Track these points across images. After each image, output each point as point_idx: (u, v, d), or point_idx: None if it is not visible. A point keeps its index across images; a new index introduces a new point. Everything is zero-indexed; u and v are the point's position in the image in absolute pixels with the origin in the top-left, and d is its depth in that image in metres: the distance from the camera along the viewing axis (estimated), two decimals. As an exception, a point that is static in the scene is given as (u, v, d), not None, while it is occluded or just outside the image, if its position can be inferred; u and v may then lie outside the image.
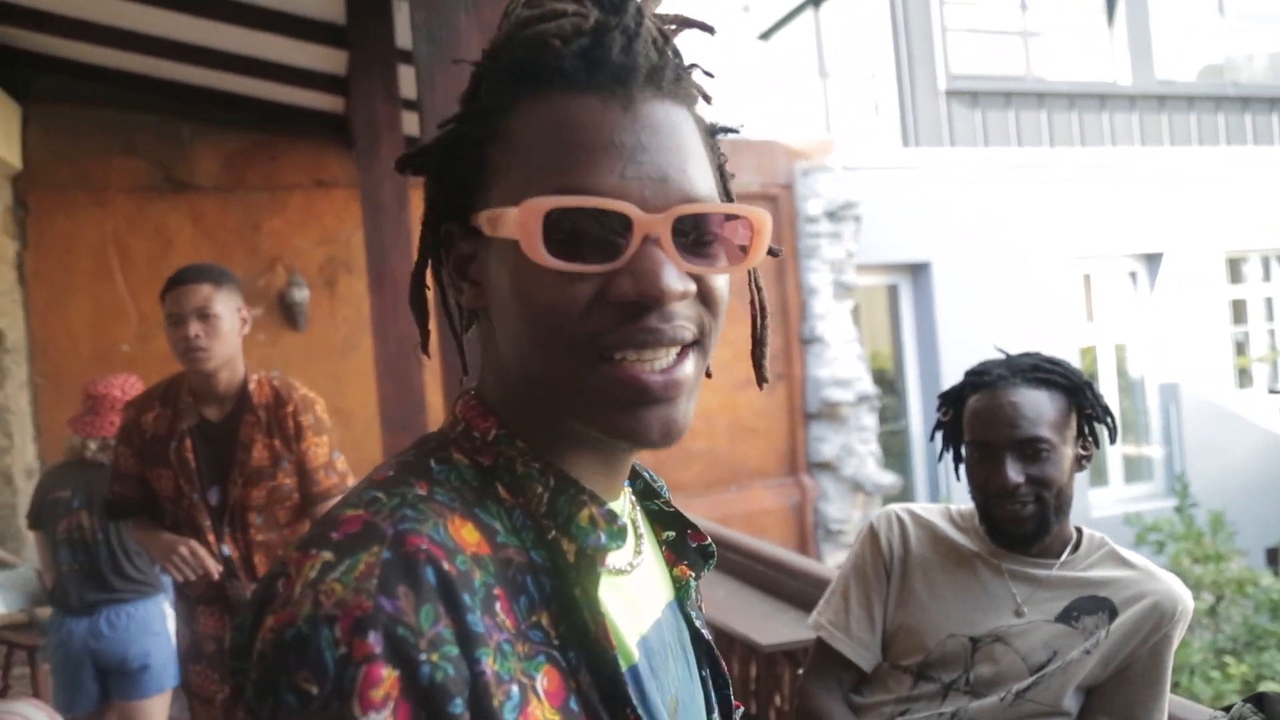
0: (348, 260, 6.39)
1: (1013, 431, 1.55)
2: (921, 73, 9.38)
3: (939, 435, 1.70)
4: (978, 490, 1.59)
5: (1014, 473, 1.54)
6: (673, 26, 0.70)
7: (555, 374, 0.63)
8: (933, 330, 8.86)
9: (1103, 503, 9.07)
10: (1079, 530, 1.66)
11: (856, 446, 8.10)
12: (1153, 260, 9.61)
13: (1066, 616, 1.55)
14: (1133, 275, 9.74)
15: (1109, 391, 9.59)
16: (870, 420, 8.15)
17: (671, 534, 0.81)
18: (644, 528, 0.79)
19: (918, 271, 9.00)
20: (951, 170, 8.95)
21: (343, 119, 6.02)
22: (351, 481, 2.49)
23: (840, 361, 8.26)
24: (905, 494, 8.00)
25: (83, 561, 3.32)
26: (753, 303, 0.79)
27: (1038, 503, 1.55)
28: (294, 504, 2.53)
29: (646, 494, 0.82)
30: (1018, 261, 8.94)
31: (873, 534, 1.67)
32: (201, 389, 2.47)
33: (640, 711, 0.62)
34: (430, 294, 0.75)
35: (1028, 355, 1.61)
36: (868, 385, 8.14)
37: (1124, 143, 9.90)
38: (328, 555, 0.56)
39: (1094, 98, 9.91)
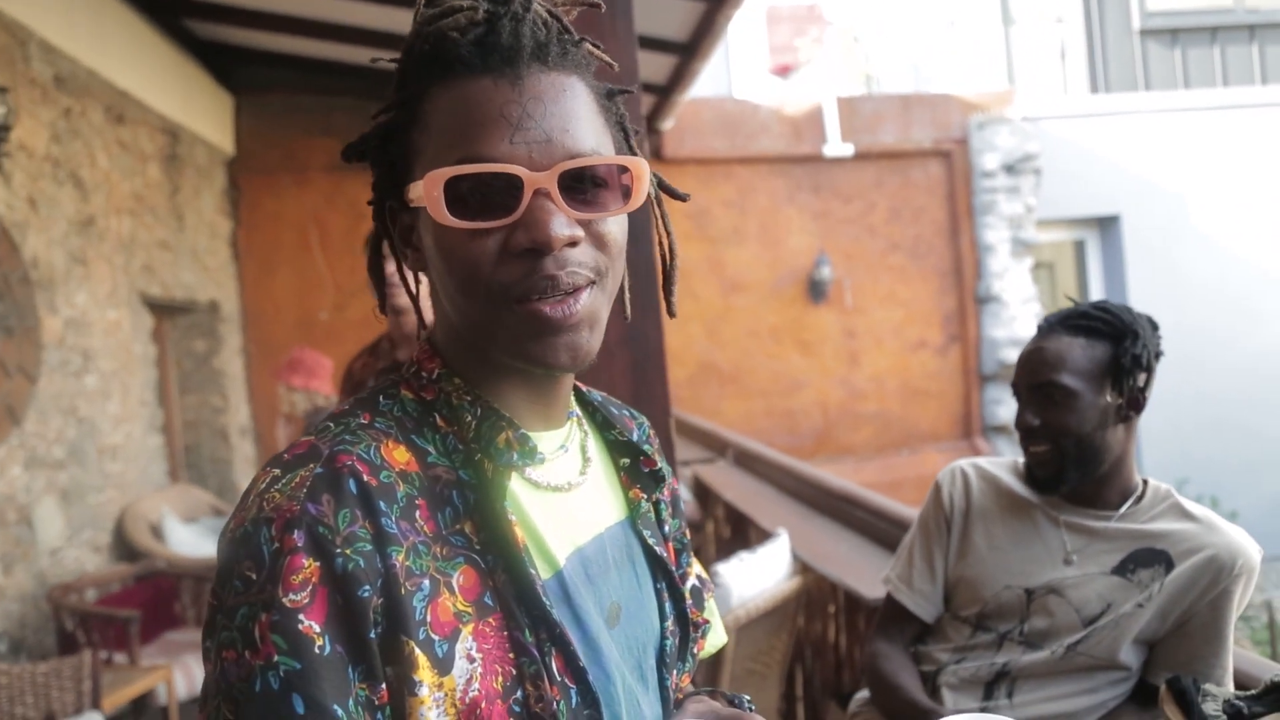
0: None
1: (1031, 376, 1.58)
2: (1113, 12, 8.83)
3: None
4: (1018, 434, 1.62)
5: (1030, 415, 1.57)
6: (563, 7, 0.81)
7: (480, 317, 0.75)
8: (1123, 287, 8.40)
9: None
10: (1145, 482, 1.64)
11: (1033, 409, 7.82)
12: (1385, 206, 8.72)
13: (1122, 569, 1.55)
14: (1358, 223, 8.87)
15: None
16: (1049, 381, 7.85)
17: (626, 461, 0.92)
18: (597, 453, 0.90)
19: (1106, 225, 8.54)
20: (1145, 116, 8.40)
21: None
22: None
23: (1019, 321, 7.98)
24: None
25: None
26: (660, 243, 0.89)
27: (1055, 448, 1.56)
28: None
29: (605, 426, 0.93)
30: (1221, 213, 8.33)
31: (936, 489, 1.71)
32: (396, 332, 2.75)
33: (557, 611, 0.74)
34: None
35: (1096, 305, 1.61)
36: (1047, 345, 7.83)
37: (1351, 77, 8.99)
38: (276, 471, 0.71)
39: (1317, 28, 9.04)
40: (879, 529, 2.97)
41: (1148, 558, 1.54)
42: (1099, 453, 1.56)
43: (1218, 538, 1.52)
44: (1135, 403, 1.57)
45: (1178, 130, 8.37)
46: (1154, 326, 1.63)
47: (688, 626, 0.92)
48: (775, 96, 8.47)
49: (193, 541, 4.81)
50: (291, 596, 0.65)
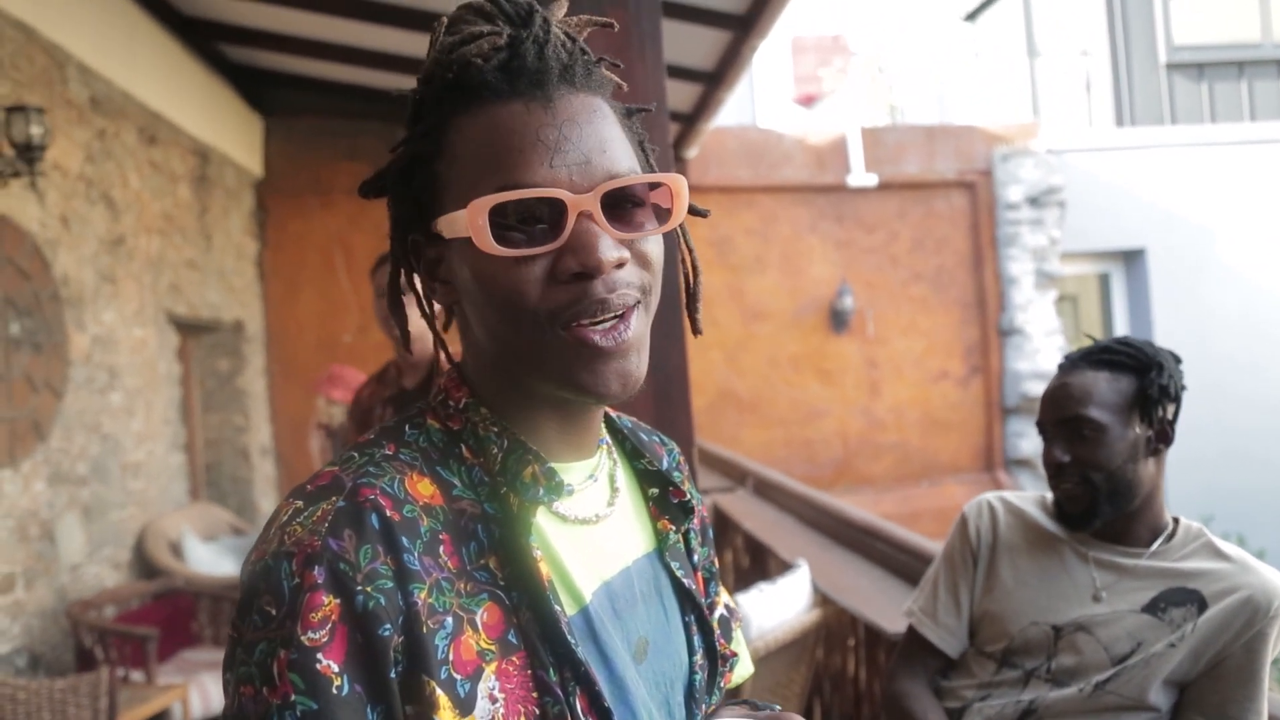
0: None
1: (1058, 411, 1.57)
2: (1139, 46, 8.82)
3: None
4: (1046, 471, 1.61)
5: (1059, 451, 1.56)
6: (579, 28, 0.80)
7: (524, 345, 0.74)
8: (1148, 321, 8.33)
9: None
10: (1176, 520, 1.62)
11: (1056, 442, 7.75)
12: None
13: (1153, 607, 1.52)
14: (1387, 260, 8.79)
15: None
16: (1073, 415, 7.79)
17: (655, 491, 0.90)
18: (626, 484, 0.88)
19: (1131, 259, 8.49)
20: (1171, 149, 8.37)
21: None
22: None
23: (1042, 354, 7.93)
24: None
25: None
26: (683, 260, 0.87)
27: (1085, 484, 1.54)
28: None
29: (634, 454, 0.91)
30: (1245, 247, 8.27)
31: (963, 522, 1.69)
32: (402, 359, 2.75)
33: (583, 649, 0.72)
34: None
35: (1119, 340, 1.60)
36: (1070, 379, 7.78)
37: (1380, 113, 8.93)
38: (299, 503, 0.70)
39: (1345, 64, 9.00)
40: (900, 562, 2.94)
41: (1180, 597, 1.52)
42: (1130, 486, 1.54)
43: (1253, 578, 1.50)
44: (1164, 435, 1.56)
45: (1204, 164, 8.33)
46: (1177, 360, 1.61)
47: (716, 660, 0.90)
48: (799, 126, 8.50)
49: (211, 560, 4.82)
50: (310, 635, 0.64)
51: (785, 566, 3.10)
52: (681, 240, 0.86)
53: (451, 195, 0.75)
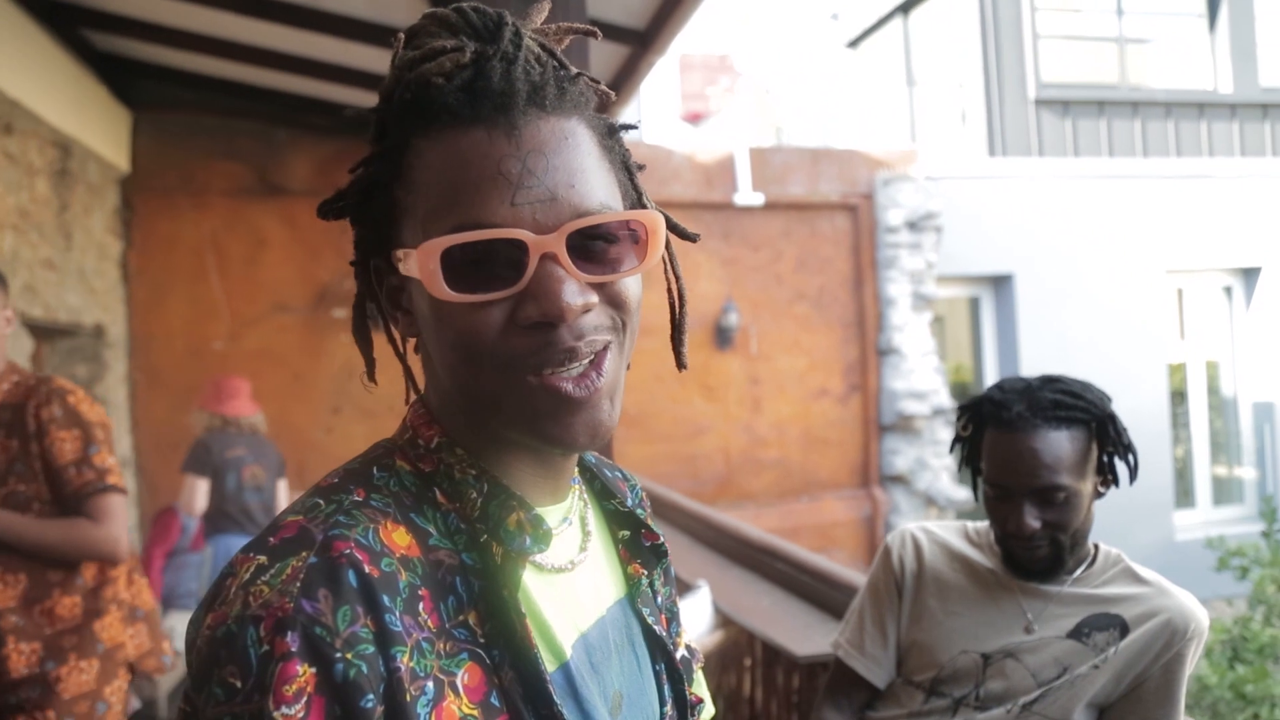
0: (430, 263, 6.58)
1: (1032, 480, 1.54)
2: (1011, 81, 9.22)
3: (959, 448, 1.71)
4: (996, 526, 1.61)
5: (1031, 518, 1.54)
6: (557, 37, 0.74)
7: (484, 391, 0.68)
8: (1014, 344, 8.69)
9: (1188, 525, 8.79)
10: (1096, 547, 1.66)
11: (930, 460, 8.01)
12: (1250, 275, 9.27)
13: (1078, 633, 1.55)
14: (1228, 290, 9.41)
15: (1199, 410, 9.28)
16: (946, 434, 8.06)
17: (626, 533, 0.85)
18: (596, 526, 0.82)
19: (1000, 284, 8.85)
20: (1039, 180, 8.77)
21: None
22: (113, 480, 2.28)
23: (917, 374, 8.17)
24: (980, 510, 7.86)
25: (257, 500, 4.55)
26: (670, 291, 0.83)
27: (1053, 544, 1.56)
28: (38, 513, 2.23)
29: (604, 494, 0.86)
30: (1106, 275, 8.72)
31: (886, 553, 1.70)
32: None
33: (565, 708, 0.66)
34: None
35: (1050, 384, 1.58)
36: (944, 398, 8.05)
37: (1223, 153, 9.57)
38: (262, 559, 0.61)
39: (1192, 106, 9.60)
40: (801, 582, 2.94)
41: (1103, 621, 1.55)
42: (1087, 535, 1.59)
43: (1170, 601, 1.54)
44: (1109, 480, 1.60)
45: (1068, 196, 8.76)
46: (1108, 398, 1.64)
47: (686, 710, 0.85)
48: (688, 143, 8.55)
49: (65, 582, 4.49)
50: (284, 710, 0.56)
51: (685, 588, 3.07)
52: (668, 268, 0.81)
53: (408, 225, 0.68)
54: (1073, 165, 9.00)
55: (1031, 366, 8.46)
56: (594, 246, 0.68)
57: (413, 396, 0.79)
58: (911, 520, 7.96)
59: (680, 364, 0.83)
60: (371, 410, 6.42)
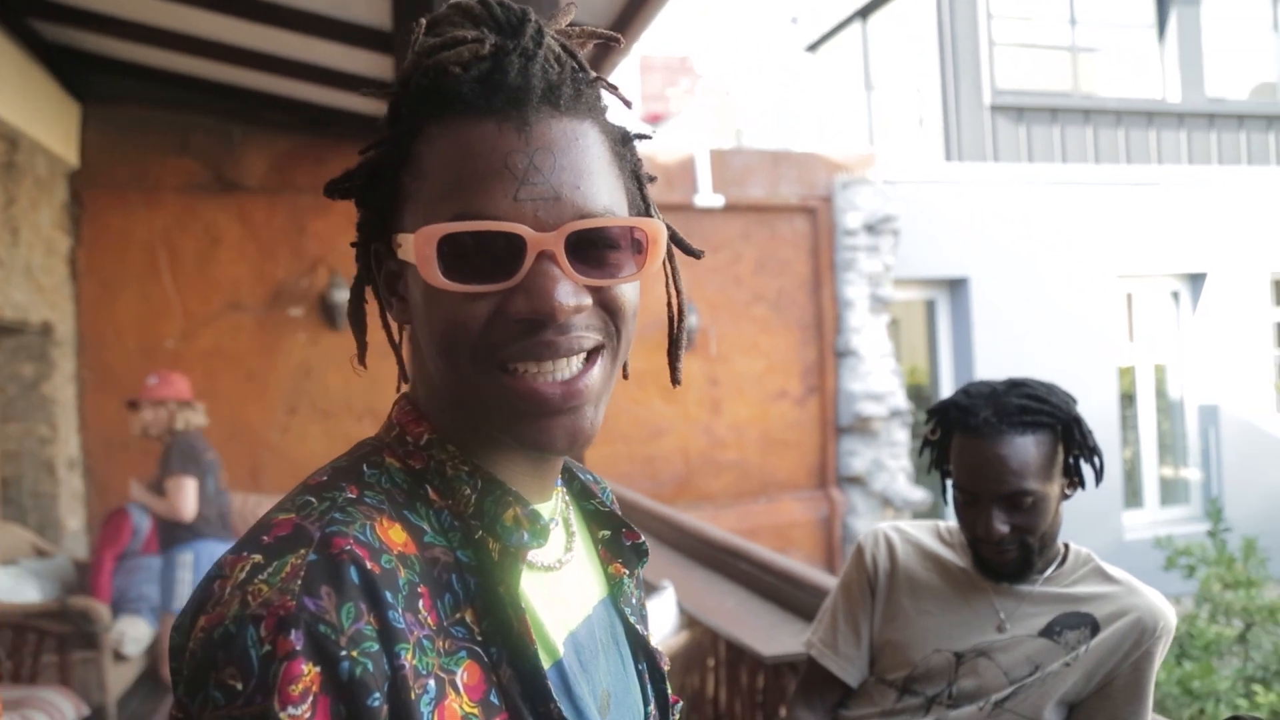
0: (388, 262, 6.51)
1: (999, 486, 1.55)
2: (967, 87, 9.35)
3: (927, 451, 1.71)
4: (966, 530, 1.62)
5: (999, 523, 1.55)
6: (579, 40, 0.74)
7: (461, 384, 0.67)
8: (969, 346, 8.81)
9: (1136, 525, 8.97)
10: (1066, 546, 1.68)
11: (887, 461, 8.08)
12: (1196, 280, 9.48)
13: (1049, 631, 1.57)
14: (1175, 295, 9.61)
15: (1147, 413, 9.47)
16: (902, 435, 8.14)
17: (607, 533, 0.85)
18: (577, 526, 0.82)
19: (956, 287, 8.96)
20: (994, 185, 8.90)
21: (387, 124, 6.14)
22: None
23: (874, 375, 8.24)
24: (935, 510, 7.96)
25: (227, 503, 4.59)
26: (669, 303, 0.83)
27: (1022, 547, 1.57)
28: None
29: (584, 494, 0.86)
30: (1058, 279, 8.87)
31: (859, 553, 1.71)
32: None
33: (561, 706, 0.66)
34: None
35: (1016, 388, 1.59)
36: (901, 400, 8.12)
37: (1171, 161, 9.77)
38: (257, 558, 0.60)
39: (1142, 115, 9.80)
40: (765, 582, 2.95)
41: (1074, 620, 1.57)
42: (1055, 536, 1.61)
43: (1140, 600, 1.57)
44: (1075, 482, 1.61)
45: (1022, 201, 8.89)
46: (1073, 400, 1.66)
47: (667, 710, 0.85)
48: (648, 144, 8.55)
49: (10, 586, 4.37)
50: (291, 710, 0.54)
51: (650, 588, 3.06)
52: (670, 281, 0.80)
53: (410, 211, 0.68)
54: (1027, 171, 9.14)
55: (986, 369, 8.57)
56: (593, 250, 0.67)
57: (404, 389, 0.78)
58: (868, 521, 8.03)
59: (675, 379, 0.82)
60: (328, 410, 6.34)
